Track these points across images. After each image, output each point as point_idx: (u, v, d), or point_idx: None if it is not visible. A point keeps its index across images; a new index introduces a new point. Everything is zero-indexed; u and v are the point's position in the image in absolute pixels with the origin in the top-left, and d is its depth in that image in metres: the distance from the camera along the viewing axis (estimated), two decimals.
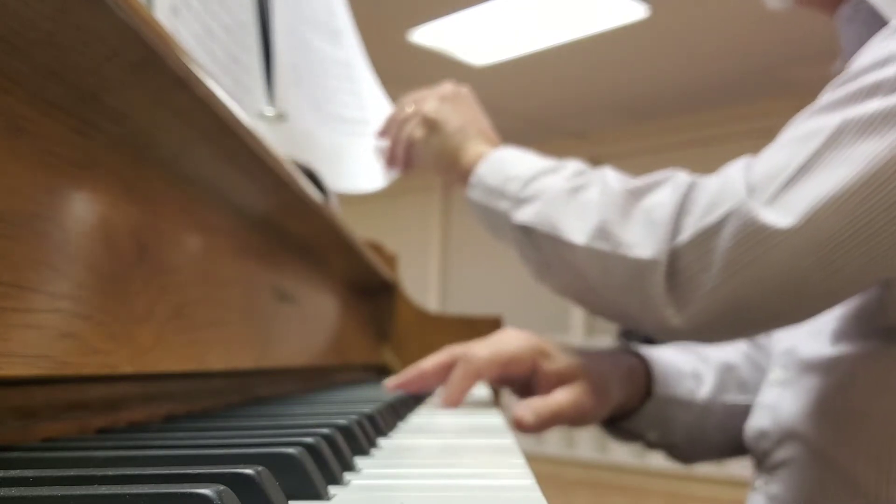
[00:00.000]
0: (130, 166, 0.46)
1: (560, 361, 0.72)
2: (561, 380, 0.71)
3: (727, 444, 0.83)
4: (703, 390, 0.80)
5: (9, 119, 0.35)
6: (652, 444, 0.82)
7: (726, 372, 0.82)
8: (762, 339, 0.84)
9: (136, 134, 0.46)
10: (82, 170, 0.41)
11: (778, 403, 0.69)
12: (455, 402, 0.72)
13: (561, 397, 0.70)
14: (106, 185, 0.43)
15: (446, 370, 0.72)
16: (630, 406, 0.78)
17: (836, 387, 0.64)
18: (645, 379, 0.78)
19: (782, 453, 0.67)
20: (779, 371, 0.72)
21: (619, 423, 0.80)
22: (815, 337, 0.68)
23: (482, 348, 0.71)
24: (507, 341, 0.73)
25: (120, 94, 0.41)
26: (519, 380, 0.73)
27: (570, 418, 0.71)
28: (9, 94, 0.35)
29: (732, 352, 0.84)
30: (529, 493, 0.30)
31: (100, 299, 0.40)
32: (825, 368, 0.65)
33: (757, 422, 0.72)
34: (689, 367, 0.81)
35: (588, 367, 0.73)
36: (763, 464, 0.71)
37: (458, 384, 0.71)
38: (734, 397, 0.81)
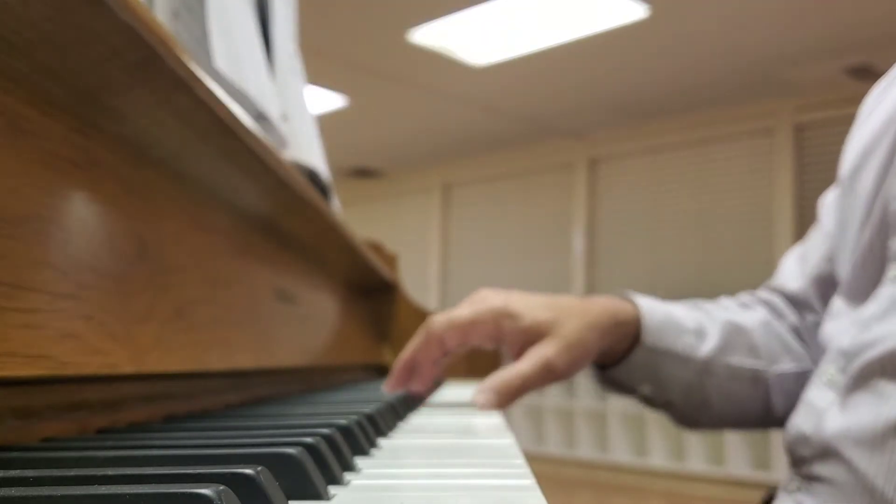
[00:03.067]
0: (130, 166, 0.46)
1: (525, 319, 0.70)
2: (527, 338, 0.70)
3: (731, 412, 0.78)
4: (705, 347, 0.76)
5: (9, 119, 0.35)
6: (648, 401, 0.79)
7: (735, 333, 0.77)
8: (809, 325, 0.79)
9: (136, 134, 0.46)
10: (82, 170, 0.41)
11: (825, 411, 0.63)
12: (424, 376, 0.73)
13: (524, 366, 0.69)
14: (106, 185, 0.43)
15: None
16: (617, 354, 0.76)
17: None
18: (635, 327, 0.75)
19: (823, 469, 0.61)
20: (833, 371, 0.64)
21: (608, 373, 0.78)
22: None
23: (441, 316, 0.71)
24: (470, 303, 0.72)
25: (120, 94, 0.41)
26: (488, 342, 0.72)
27: (541, 382, 0.69)
28: (9, 94, 0.35)
29: (748, 316, 0.79)
30: (529, 493, 0.30)
31: (100, 299, 0.40)
32: (893, 396, 0.57)
33: (799, 422, 0.66)
34: (693, 323, 0.77)
35: (558, 320, 0.70)
36: (799, 468, 0.65)
37: (422, 355, 0.71)
38: (741, 360, 0.77)
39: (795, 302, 0.81)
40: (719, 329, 0.77)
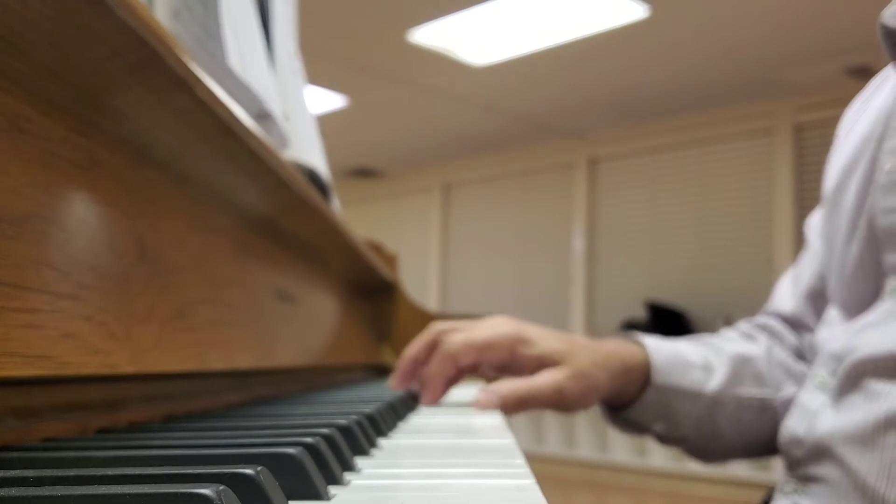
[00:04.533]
0: (130, 166, 0.46)
1: (540, 347, 0.72)
2: (541, 364, 0.72)
3: (742, 442, 0.79)
4: (713, 382, 0.77)
5: (9, 119, 0.35)
6: (662, 438, 0.81)
7: (741, 364, 0.79)
8: (807, 335, 0.81)
9: (136, 134, 0.46)
10: (82, 170, 0.41)
11: (817, 412, 0.64)
12: (435, 391, 0.73)
13: (536, 381, 0.70)
14: (106, 185, 0.43)
15: (431, 349, 0.73)
16: (628, 396, 0.77)
17: (894, 420, 0.56)
18: (644, 371, 0.76)
19: (818, 469, 0.62)
20: (824, 374, 0.66)
21: (621, 414, 0.79)
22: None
23: (458, 334, 0.73)
24: (487, 326, 0.74)
25: (120, 94, 0.41)
26: (499, 365, 0.74)
27: (549, 402, 0.71)
28: (9, 94, 0.35)
29: (751, 346, 0.81)
30: (529, 493, 0.30)
31: (100, 299, 0.40)
32: (882, 394, 0.57)
33: (792, 424, 0.67)
34: (699, 358, 0.78)
35: (571, 353, 0.72)
36: (794, 470, 0.66)
37: (436, 370, 0.72)
38: (749, 390, 0.78)
39: (792, 323, 0.83)
40: (726, 362, 0.79)
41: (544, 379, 0.70)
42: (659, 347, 0.78)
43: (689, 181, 4.68)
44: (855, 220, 0.67)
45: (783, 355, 0.81)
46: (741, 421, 0.78)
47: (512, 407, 0.69)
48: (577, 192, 5.16)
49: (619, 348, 0.77)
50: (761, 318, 0.86)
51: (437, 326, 0.75)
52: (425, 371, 0.74)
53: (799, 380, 0.79)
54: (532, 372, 0.72)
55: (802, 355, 0.81)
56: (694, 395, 0.77)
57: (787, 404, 0.77)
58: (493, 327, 0.73)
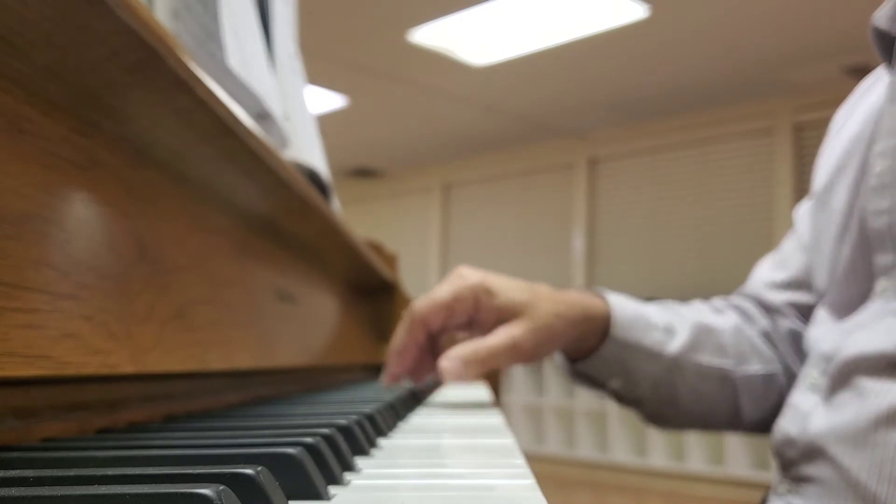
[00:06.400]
0: (130, 166, 0.46)
1: (501, 297, 0.72)
2: (500, 316, 0.72)
3: (700, 412, 0.79)
4: (674, 344, 0.77)
5: (9, 119, 0.35)
6: (619, 397, 0.80)
7: (703, 333, 0.78)
8: (795, 331, 0.80)
9: (136, 134, 0.46)
10: (82, 170, 0.41)
11: (810, 413, 0.64)
12: (405, 362, 0.74)
13: (492, 341, 0.70)
14: (106, 185, 0.43)
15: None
16: (587, 348, 0.77)
17: (885, 418, 0.56)
18: (605, 323, 0.76)
19: (810, 469, 0.62)
20: (815, 375, 0.65)
21: (579, 366, 0.79)
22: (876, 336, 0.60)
23: (423, 298, 0.73)
24: (449, 282, 0.74)
25: (120, 95, 0.41)
26: (465, 321, 0.74)
27: (506, 359, 0.71)
28: (9, 94, 0.35)
29: (718, 319, 0.81)
30: (529, 493, 0.30)
31: (100, 299, 0.40)
32: (872, 392, 0.57)
33: (785, 425, 0.67)
34: (662, 320, 0.78)
35: (532, 304, 0.72)
36: (787, 471, 0.66)
37: (405, 339, 0.72)
38: (709, 359, 0.78)
39: (768, 308, 0.82)
40: (689, 328, 0.79)
41: (499, 337, 0.70)
42: (622, 304, 0.78)
43: (689, 181, 4.68)
44: (846, 222, 0.67)
45: (751, 334, 0.81)
46: (700, 390, 0.78)
47: (474, 369, 0.69)
48: (577, 192, 5.16)
49: (582, 298, 0.76)
50: (736, 298, 0.85)
51: (410, 309, 0.74)
52: (393, 340, 0.74)
53: (764, 360, 0.79)
54: (492, 323, 0.72)
55: (772, 340, 0.81)
56: (653, 356, 0.77)
57: (748, 380, 0.78)
58: (456, 281, 0.73)
